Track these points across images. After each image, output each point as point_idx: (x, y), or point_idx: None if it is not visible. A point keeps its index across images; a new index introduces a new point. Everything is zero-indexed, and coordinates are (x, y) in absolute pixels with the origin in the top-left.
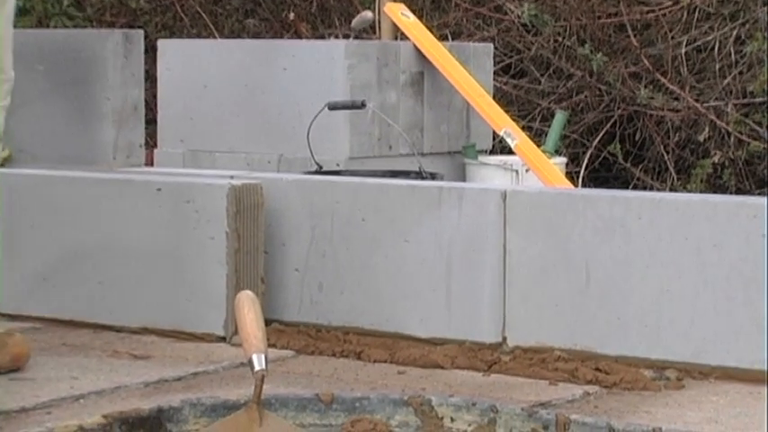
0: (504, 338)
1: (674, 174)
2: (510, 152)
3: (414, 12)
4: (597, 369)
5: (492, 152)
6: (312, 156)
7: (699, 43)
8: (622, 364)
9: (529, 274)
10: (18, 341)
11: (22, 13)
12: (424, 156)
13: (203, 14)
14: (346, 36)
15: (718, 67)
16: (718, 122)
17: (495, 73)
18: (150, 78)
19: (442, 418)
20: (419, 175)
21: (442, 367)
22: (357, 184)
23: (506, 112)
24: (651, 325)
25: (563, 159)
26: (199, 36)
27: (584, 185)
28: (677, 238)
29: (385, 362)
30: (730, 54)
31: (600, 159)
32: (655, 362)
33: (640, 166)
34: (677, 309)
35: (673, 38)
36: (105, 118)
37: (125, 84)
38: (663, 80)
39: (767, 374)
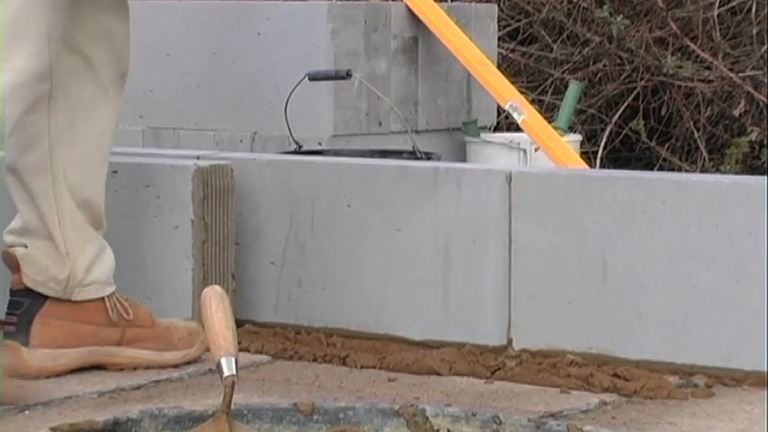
0: (510, 341)
1: (705, 154)
2: (517, 129)
3: None
4: (615, 375)
5: (496, 129)
6: (290, 133)
7: (734, 4)
8: (644, 369)
9: (537, 267)
10: None
11: None
12: (419, 133)
13: None
14: None
15: (755, 31)
16: (756, 95)
17: (499, 38)
18: None
19: (437, 431)
20: (413, 155)
21: (439, 373)
22: (342, 166)
23: (513, 83)
24: (677, 325)
25: (577, 137)
26: None
27: (601, 167)
28: (706, 225)
29: (373, 368)
30: None
31: (620, 137)
32: (681, 367)
33: (667, 146)
34: (706, 306)
35: None
36: None
37: None
38: (692, 46)
39: (767, 377)
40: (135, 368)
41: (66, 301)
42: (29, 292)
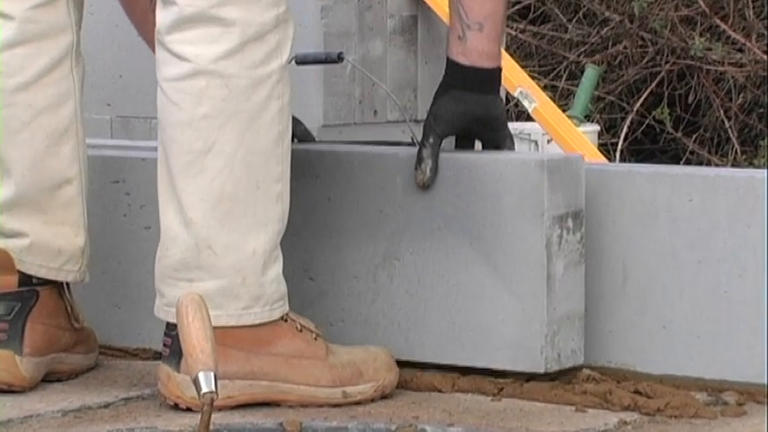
0: None
1: (737, 145)
2: (527, 118)
3: None
4: (636, 392)
5: None
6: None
7: None
8: (668, 385)
9: None
10: None
11: None
12: (418, 123)
13: None
14: None
15: None
16: None
17: (508, 17)
18: None
19: None
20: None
21: (440, 390)
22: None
23: (523, 67)
24: (704, 336)
25: (595, 127)
26: None
27: (622, 160)
28: (737, 225)
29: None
30: None
31: (643, 128)
32: (709, 382)
33: (694, 137)
34: (737, 315)
35: None
36: None
37: None
38: (723, 26)
39: (767, 383)
40: (74, 375)
41: (52, 298)
42: (19, 293)
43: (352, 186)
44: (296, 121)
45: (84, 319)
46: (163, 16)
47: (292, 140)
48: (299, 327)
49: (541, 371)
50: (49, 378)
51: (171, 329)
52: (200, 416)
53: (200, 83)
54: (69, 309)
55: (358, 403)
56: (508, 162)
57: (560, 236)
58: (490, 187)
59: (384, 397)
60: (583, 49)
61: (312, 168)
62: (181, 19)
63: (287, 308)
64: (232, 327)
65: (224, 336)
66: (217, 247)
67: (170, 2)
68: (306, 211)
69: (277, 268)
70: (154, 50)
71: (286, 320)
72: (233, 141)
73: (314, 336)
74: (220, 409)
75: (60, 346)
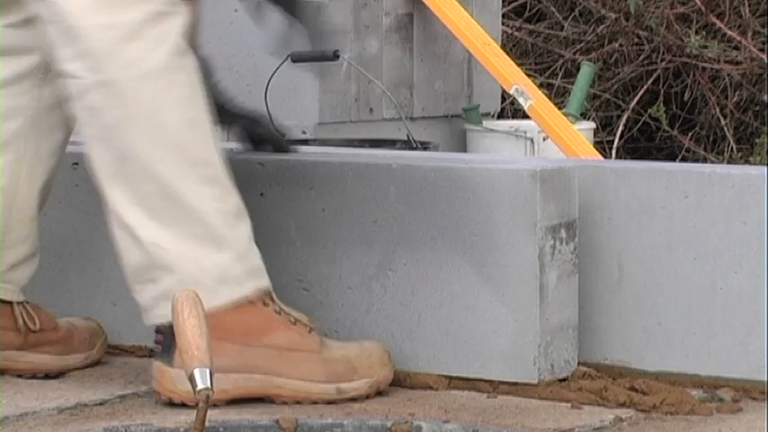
0: None
1: (732, 143)
2: (523, 115)
3: None
4: (632, 388)
5: (500, 116)
6: (271, 121)
7: None
8: (664, 382)
9: None
10: None
11: None
12: (414, 121)
13: None
14: None
15: None
16: None
17: (504, 15)
18: None
19: None
20: (407, 144)
21: (435, 387)
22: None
23: (519, 64)
24: (700, 333)
25: (591, 125)
26: None
27: (617, 158)
28: (733, 222)
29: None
30: None
31: (639, 125)
32: (704, 379)
33: (690, 134)
34: (733, 312)
35: None
36: None
37: None
38: (719, 24)
39: (767, 383)
40: (35, 375)
41: None
42: None
43: (346, 197)
44: (275, 132)
45: (57, 321)
46: (49, 37)
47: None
48: (292, 319)
49: (534, 381)
50: (9, 374)
51: (162, 326)
52: (195, 412)
53: (91, 96)
54: (18, 312)
55: (353, 400)
56: (501, 173)
57: (553, 246)
58: (483, 198)
59: (379, 393)
60: (579, 47)
61: (306, 179)
62: (58, 37)
63: (263, 283)
64: (220, 317)
65: (216, 329)
66: (163, 242)
67: (50, 21)
68: (300, 222)
69: (237, 244)
70: None
71: (279, 313)
72: (139, 143)
73: (308, 329)
74: (215, 403)
75: (6, 344)
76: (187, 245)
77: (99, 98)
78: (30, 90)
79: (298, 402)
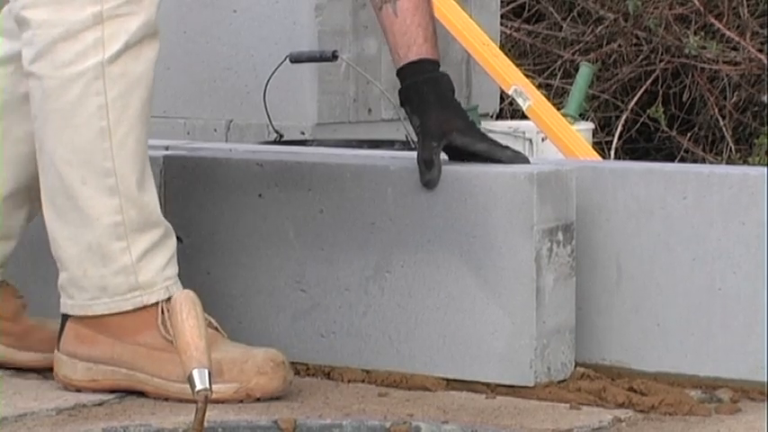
0: None
1: (731, 144)
2: (522, 116)
3: None
4: (631, 389)
5: (499, 116)
6: (270, 122)
7: None
8: (662, 382)
9: None
10: None
11: None
12: None
13: None
14: None
15: None
16: None
17: (503, 16)
18: None
19: None
20: (406, 145)
21: (433, 389)
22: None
23: (517, 65)
24: (698, 333)
25: (589, 125)
26: None
27: (616, 159)
28: (731, 222)
29: (362, 382)
30: None
31: (638, 126)
32: (703, 380)
33: (689, 135)
34: (731, 312)
35: None
36: None
37: None
38: (717, 24)
39: (766, 384)
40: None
41: None
42: None
43: (343, 199)
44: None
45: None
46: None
47: (277, 141)
48: None
49: (531, 384)
50: None
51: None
52: (194, 413)
53: (30, 83)
54: None
55: (217, 402)
56: (498, 175)
57: (550, 249)
58: (480, 200)
59: (380, 396)
60: (577, 48)
61: (304, 181)
62: (16, 24)
63: (149, 300)
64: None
65: (96, 324)
66: (59, 239)
67: (12, 7)
68: (298, 224)
69: (124, 259)
70: None
71: (164, 312)
72: (52, 139)
73: None
74: (81, 390)
75: None
76: (78, 248)
77: (32, 87)
78: (12, 74)
79: (166, 399)
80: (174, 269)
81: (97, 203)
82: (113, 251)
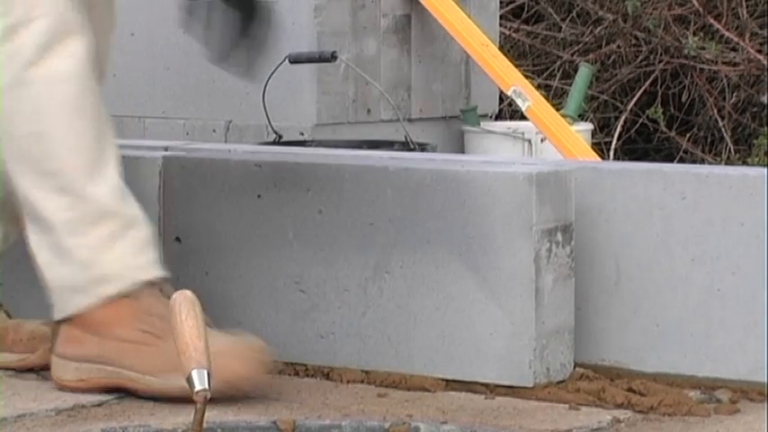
0: None
1: (730, 144)
2: (521, 117)
3: None
4: (630, 390)
5: (498, 117)
6: (269, 122)
7: None
8: (661, 383)
9: None
10: None
11: None
12: (412, 122)
13: None
14: None
15: None
16: None
17: (502, 17)
18: None
19: None
20: (405, 146)
21: (432, 390)
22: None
23: (516, 66)
24: (698, 334)
25: (588, 126)
26: None
27: (615, 159)
28: (731, 223)
29: (361, 382)
30: None
31: (637, 126)
32: (702, 380)
33: (688, 135)
34: (731, 313)
35: None
36: None
37: None
38: (716, 25)
39: (766, 384)
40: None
41: None
42: None
43: (342, 199)
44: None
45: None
46: None
47: (276, 141)
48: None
49: (530, 385)
50: None
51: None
52: (193, 413)
53: None
54: None
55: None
56: (497, 175)
57: (549, 249)
58: (479, 201)
59: (379, 396)
60: (576, 48)
61: (303, 181)
62: None
63: (111, 290)
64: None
65: (82, 323)
66: (33, 245)
67: None
68: (297, 224)
69: (81, 254)
70: None
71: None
72: (5, 155)
73: None
74: (73, 390)
75: None
76: (44, 252)
77: None
78: None
79: (153, 399)
80: (143, 258)
81: (50, 205)
82: (70, 248)
